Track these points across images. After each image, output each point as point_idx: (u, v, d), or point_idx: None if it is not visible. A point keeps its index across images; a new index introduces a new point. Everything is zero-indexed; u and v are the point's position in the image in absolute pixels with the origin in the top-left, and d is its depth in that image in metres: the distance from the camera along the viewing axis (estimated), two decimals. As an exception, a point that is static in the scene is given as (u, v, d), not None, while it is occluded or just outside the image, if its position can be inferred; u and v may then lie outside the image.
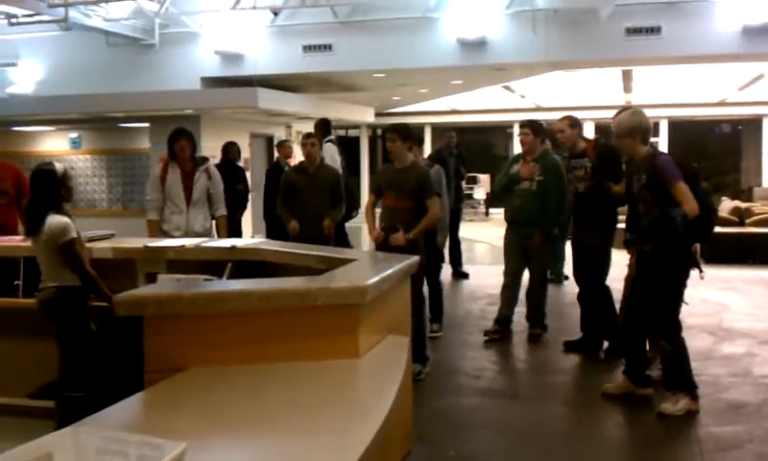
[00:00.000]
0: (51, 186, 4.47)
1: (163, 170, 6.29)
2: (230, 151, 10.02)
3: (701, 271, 4.96)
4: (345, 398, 2.82)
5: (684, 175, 4.77)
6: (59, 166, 4.58)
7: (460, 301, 8.88)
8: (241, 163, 10.62)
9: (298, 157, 9.07)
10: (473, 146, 21.22)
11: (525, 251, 6.82)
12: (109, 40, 11.62)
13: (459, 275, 10.17)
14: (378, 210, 6.12)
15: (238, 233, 9.39)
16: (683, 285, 4.89)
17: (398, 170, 5.85)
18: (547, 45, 10.43)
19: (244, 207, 10.19)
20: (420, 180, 5.77)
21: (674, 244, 4.72)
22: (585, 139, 6.39)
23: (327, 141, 8.85)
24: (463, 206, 11.08)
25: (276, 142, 12.45)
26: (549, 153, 6.90)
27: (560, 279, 9.43)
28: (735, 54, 10.40)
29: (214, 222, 6.49)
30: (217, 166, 7.30)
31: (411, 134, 5.99)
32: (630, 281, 5.28)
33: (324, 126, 9.06)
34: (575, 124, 6.42)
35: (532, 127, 6.77)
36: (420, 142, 7.57)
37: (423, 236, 5.88)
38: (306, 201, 6.77)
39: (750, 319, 7.66)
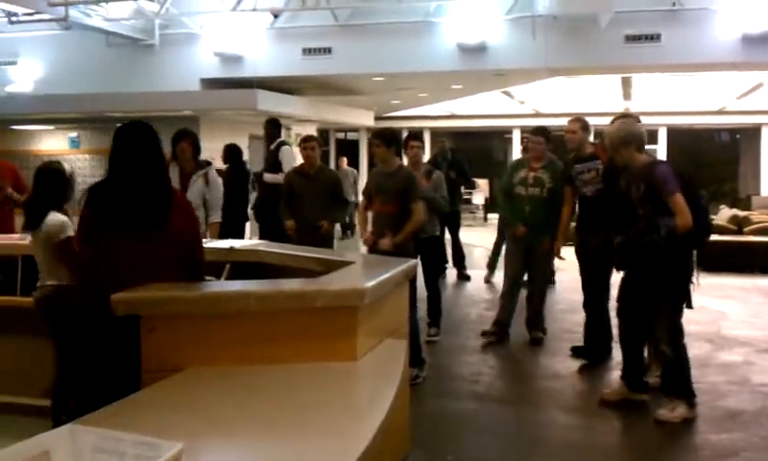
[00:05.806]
0: (57, 185, 4.54)
1: None
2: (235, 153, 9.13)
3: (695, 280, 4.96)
4: (342, 400, 2.81)
5: (684, 184, 4.77)
6: (66, 167, 4.68)
7: (458, 305, 8.87)
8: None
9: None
10: (472, 151, 21.21)
11: (528, 256, 6.83)
12: (109, 40, 11.62)
13: (462, 277, 10.29)
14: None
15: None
16: (684, 292, 4.88)
17: (386, 174, 5.85)
18: (547, 51, 10.45)
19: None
20: (405, 184, 5.75)
21: (654, 255, 4.75)
22: (592, 143, 6.36)
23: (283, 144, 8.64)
24: (461, 210, 11.11)
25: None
26: (555, 160, 6.89)
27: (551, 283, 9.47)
28: (735, 62, 10.43)
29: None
30: (222, 172, 7.23)
31: (396, 139, 5.97)
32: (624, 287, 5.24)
33: (273, 126, 8.78)
34: (586, 127, 6.36)
35: (545, 135, 6.82)
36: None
37: (413, 240, 5.88)
38: (305, 203, 6.76)
39: (748, 327, 7.67)
